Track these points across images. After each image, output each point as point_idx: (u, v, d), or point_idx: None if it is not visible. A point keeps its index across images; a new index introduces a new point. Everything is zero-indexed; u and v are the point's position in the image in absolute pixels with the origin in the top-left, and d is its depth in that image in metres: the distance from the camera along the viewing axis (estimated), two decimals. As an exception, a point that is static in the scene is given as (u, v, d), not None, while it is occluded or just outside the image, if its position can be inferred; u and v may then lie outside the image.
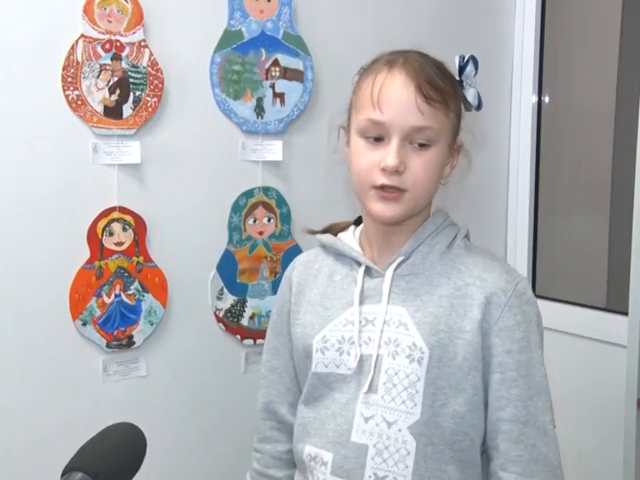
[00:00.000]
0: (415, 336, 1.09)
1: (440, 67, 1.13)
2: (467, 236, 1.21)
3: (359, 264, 1.18)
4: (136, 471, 0.98)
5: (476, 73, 1.16)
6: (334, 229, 1.29)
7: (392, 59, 1.12)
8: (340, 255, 1.22)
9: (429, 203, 1.18)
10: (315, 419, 1.18)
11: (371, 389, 1.11)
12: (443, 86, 1.09)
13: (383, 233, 1.18)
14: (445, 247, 1.16)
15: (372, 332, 1.13)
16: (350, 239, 1.23)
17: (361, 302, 1.15)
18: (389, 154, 1.07)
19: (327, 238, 1.25)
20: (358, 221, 1.27)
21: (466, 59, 1.16)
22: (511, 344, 1.09)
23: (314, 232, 1.29)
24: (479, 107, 1.17)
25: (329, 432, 1.14)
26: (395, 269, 1.15)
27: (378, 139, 1.10)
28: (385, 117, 1.08)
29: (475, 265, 1.13)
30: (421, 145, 1.09)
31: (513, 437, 1.08)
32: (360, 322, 1.14)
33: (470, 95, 1.16)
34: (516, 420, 1.08)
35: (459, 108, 1.15)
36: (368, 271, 1.17)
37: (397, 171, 1.08)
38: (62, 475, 0.92)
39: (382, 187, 1.09)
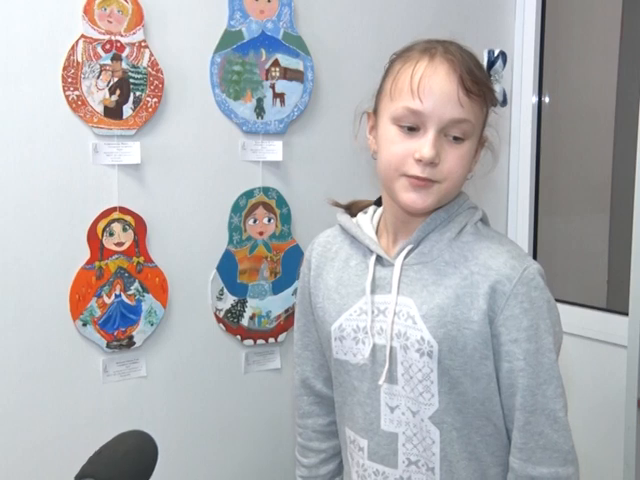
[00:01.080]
0: (423, 330, 1.09)
1: (476, 60, 1.12)
2: (484, 220, 1.18)
3: (372, 252, 1.18)
4: (147, 479, 0.99)
5: (504, 68, 1.15)
6: (355, 207, 1.29)
7: (430, 47, 1.10)
8: (355, 240, 1.22)
9: (455, 196, 1.16)
10: (344, 404, 1.22)
11: (391, 380, 1.13)
12: (483, 79, 1.09)
13: (402, 221, 1.16)
14: (455, 234, 1.13)
15: (384, 322, 1.14)
16: (367, 224, 1.22)
17: (373, 291, 1.15)
18: (425, 145, 1.06)
19: (346, 221, 1.24)
20: (379, 201, 1.25)
21: (496, 54, 1.14)
22: (517, 333, 1.07)
23: (338, 205, 1.30)
24: (504, 103, 1.16)
25: (359, 419, 1.17)
26: (405, 258, 1.14)
27: (412, 128, 1.08)
28: (424, 107, 1.06)
29: (481, 252, 1.10)
30: (456, 138, 1.08)
31: (519, 425, 1.08)
32: (373, 312, 1.15)
33: (497, 90, 1.15)
34: (523, 409, 1.08)
35: (488, 103, 1.14)
36: (379, 260, 1.17)
37: (432, 163, 1.06)
38: None
39: (416, 177, 1.08)
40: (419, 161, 1.06)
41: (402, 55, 1.13)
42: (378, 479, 1.16)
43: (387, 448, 1.14)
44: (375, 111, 1.16)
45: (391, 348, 1.12)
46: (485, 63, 1.15)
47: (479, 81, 1.08)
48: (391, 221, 1.18)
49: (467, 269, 1.10)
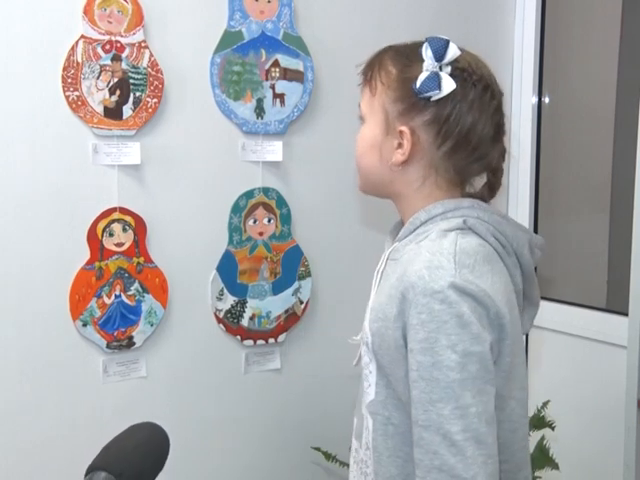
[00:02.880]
0: (366, 321, 1.13)
1: (402, 49, 1.16)
2: (462, 228, 1.12)
3: None
4: (159, 471, 0.99)
5: (438, 58, 1.11)
6: None
7: None
8: None
9: (394, 184, 1.16)
10: (357, 393, 1.24)
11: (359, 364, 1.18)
12: (368, 67, 1.17)
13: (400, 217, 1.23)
14: (425, 237, 1.11)
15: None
16: None
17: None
18: None
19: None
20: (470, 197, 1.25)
21: (424, 42, 1.13)
22: (413, 343, 1.03)
23: None
24: (420, 92, 1.10)
25: (357, 400, 1.21)
26: (389, 254, 1.17)
27: None
28: None
29: (416, 256, 1.08)
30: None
31: (415, 439, 1.04)
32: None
33: (419, 78, 1.10)
34: (416, 422, 1.03)
35: (397, 91, 1.13)
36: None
37: None
38: (86, 474, 0.92)
39: None
40: None
41: None
42: (354, 455, 1.20)
43: (360, 429, 1.18)
44: None
45: (366, 335, 1.16)
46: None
47: (365, 68, 1.17)
48: None
49: (401, 271, 1.09)
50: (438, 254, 1.06)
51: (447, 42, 1.11)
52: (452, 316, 1.01)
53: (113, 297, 1.67)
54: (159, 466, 0.99)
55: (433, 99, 1.10)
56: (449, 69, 1.11)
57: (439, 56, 1.10)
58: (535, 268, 1.24)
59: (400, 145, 1.13)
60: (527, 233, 1.20)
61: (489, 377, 1.02)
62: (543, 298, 2.34)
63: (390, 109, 1.13)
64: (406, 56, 1.14)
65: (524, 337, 2.02)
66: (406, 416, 1.08)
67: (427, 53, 1.11)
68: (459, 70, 1.11)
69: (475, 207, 1.14)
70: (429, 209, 1.14)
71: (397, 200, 1.19)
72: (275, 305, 1.87)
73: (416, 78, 1.10)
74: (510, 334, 1.06)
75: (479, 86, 1.12)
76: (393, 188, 1.17)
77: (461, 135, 1.12)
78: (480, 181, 1.20)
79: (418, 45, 1.13)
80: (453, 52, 1.11)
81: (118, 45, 1.62)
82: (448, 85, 1.09)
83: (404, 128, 1.12)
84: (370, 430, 1.12)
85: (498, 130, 1.17)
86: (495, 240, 1.13)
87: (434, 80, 1.09)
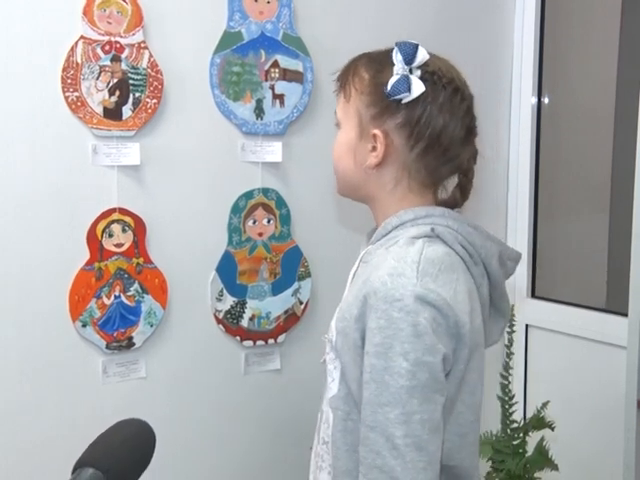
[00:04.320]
0: (333, 320, 1.16)
1: (374, 55, 1.19)
2: (430, 235, 1.13)
3: None
4: (146, 466, 0.99)
5: (407, 62, 1.13)
6: None
7: None
8: None
9: (367, 187, 1.20)
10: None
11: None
12: (343, 73, 1.20)
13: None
14: (394, 242, 1.14)
15: None
16: None
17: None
18: None
19: None
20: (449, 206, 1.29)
21: (395, 47, 1.15)
22: (369, 346, 1.06)
23: None
24: (390, 94, 1.13)
25: (321, 400, 1.24)
26: (362, 256, 1.21)
27: None
28: None
29: (383, 262, 1.10)
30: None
31: (361, 438, 1.07)
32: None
33: (390, 81, 1.13)
34: (363, 422, 1.06)
35: (369, 96, 1.16)
36: None
37: None
38: (73, 470, 0.92)
39: None
40: None
41: None
42: (315, 449, 1.23)
43: (319, 425, 1.21)
44: None
45: (331, 332, 1.19)
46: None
47: (343, 76, 1.20)
48: None
49: (367, 275, 1.11)
50: (402, 262, 1.08)
51: (416, 46, 1.15)
52: (408, 324, 1.03)
53: (113, 298, 1.67)
54: (146, 462, 1.00)
55: (404, 102, 1.14)
56: (419, 72, 1.14)
57: (408, 59, 1.14)
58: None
59: (374, 148, 1.17)
60: (499, 245, 1.22)
61: (438, 387, 1.05)
62: (543, 298, 2.35)
63: (364, 113, 1.17)
64: (378, 62, 1.17)
65: (512, 337, 2.03)
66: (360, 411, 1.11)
67: (397, 57, 1.14)
68: (429, 73, 1.15)
69: (446, 216, 1.17)
70: (400, 215, 1.17)
71: (371, 203, 1.23)
72: (275, 306, 1.87)
73: (387, 82, 1.13)
74: (468, 343, 1.09)
75: (449, 88, 1.15)
76: (367, 191, 1.21)
77: (432, 137, 1.15)
78: (452, 183, 1.24)
79: (390, 51, 1.16)
80: (422, 56, 1.15)
81: (117, 46, 1.62)
82: (418, 87, 1.13)
83: (377, 131, 1.16)
84: (330, 424, 1.15)
85: (469, 132, 1.20)
86: (462, 249, 1.15)
87: (404, 83, 1.13)
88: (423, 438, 1.03)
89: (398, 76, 1.13)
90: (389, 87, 1.13)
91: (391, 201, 1.19)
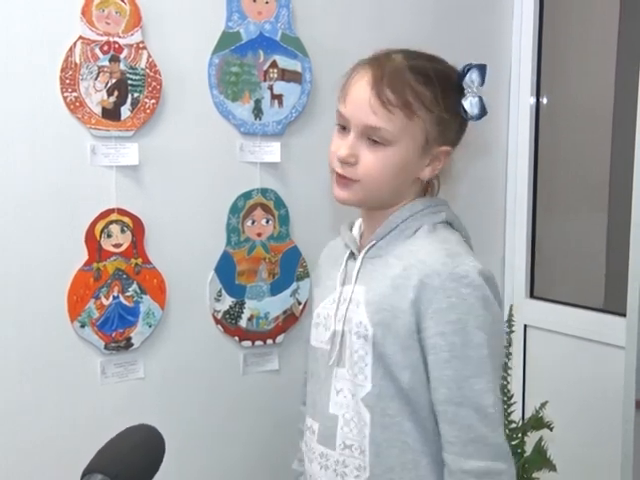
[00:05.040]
0: (362, 314, 1.16)
1: (421, 71, 1.14)
2: (447, 221, 1.22)
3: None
4: (155, 473, 1.00)
5: (482, 83, 1.17)
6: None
7: (374, 57, 1.19)
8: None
9: (400, 196, 1.21)
10: (311, 392, 1.28)
11: (340, 364, 1.20)
12: (406, 91, 1.12)
13: (366, 219, 1.27)
14: (412, 232, 1.19)
15: (344, 310, 1.21)
16: (357, 225, 1.31)
17: (344, 283, 1.24)
18: (342, 145, 1.16)
19: (341, 227, 1.33)
20: None
21: (468, 68, 1.17)
22: (444, 326, 1.10)
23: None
24: (479, 117, 1.18)
25: (317, 404, 1.24)
26: (366, 252, 1.22)
27: (344, 128, 1.18)
28: (346, 111, 1.17)
29: (423, 247, 1.15)
30: (376, 142, 1.14)
31: (448, 418, 1.11)
32: (339, 301, 1.22)
33: (467, 104, 1.17)
34: (449, 401, 1.10)
35: (444, 113, 1.16)
36: (352, 255, 1.26)
37: (348, 162, 1.15)
38: (82, 476, 0.92)
39: (337, 173, 1.18)
40: (338, 159, 1.16)
41: (359, 62, 1.21)
42: (322, 461, 1.21)
43: (330, 430, 1.20)
44: None
45: (343, 332, 1.19)
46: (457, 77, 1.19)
47: (399, 93, 1.12)
48: (363, 222, 1.29)
49: (408, 262, 1.15)
50: (449, 243, 1.16)
51: (486, 67, 1.18)
52: (478, 298, 1.10)
53: (111, 298, 1.67)
54: (155, 468, 1.00)
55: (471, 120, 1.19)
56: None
57: (482, 81, 1.18)
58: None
59: (431, 162, 1.19)
60: None
61: (503, 352, 1.18)
62: (542, 298, 2.35)
63: (431, 130, 1.16)
64: (436, 78, 1.15)
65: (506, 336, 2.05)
66: (403, 404, 1.14)
67: (472, 77, 1.17)
68: None
69: (446, 204, 1.25)
70: (409, 207, 1.21)
71: (384, 208, 1.22)
72: (273, 306, 1.87)
73: (458, 101, 1.17)
74: None
75: None
76: (395, 200, 1.22)
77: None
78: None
79: (443, 67, 1.18)
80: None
81: (116, 46, 1.62)
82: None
83: (446, 148, 1.19)
84: (367, 423, 1.16)
85: None
86: (464, 235, 1.25)
87: (483, 104, 1.17)
88: (500, 401, 1.12)
89: (477, 98, 1.17)
90: (475, 109, 1.17)
91: (403, 200, 1.22)
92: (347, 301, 1.20)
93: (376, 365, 1.15)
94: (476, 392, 1.09)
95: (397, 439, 1.15)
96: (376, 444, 1.15)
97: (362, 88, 1.14)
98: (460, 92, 1.17)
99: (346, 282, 1.23)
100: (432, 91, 1.14)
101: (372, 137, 1.14)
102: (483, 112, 1.18)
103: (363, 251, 1.22)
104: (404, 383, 1.14)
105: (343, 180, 1.17)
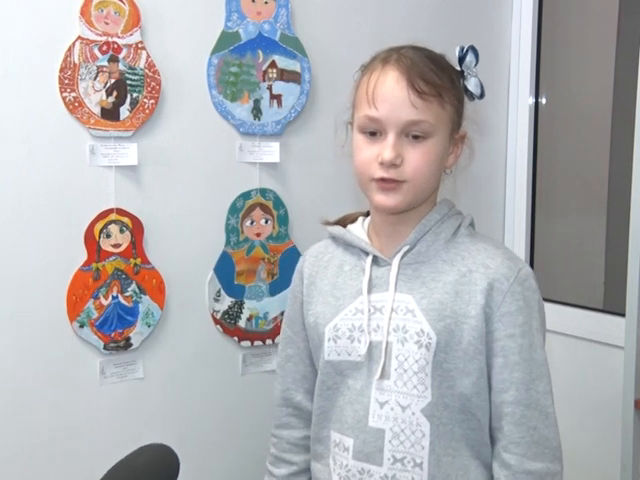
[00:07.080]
0: (423, 322, 1.13)
1: (435, 60, 1.16)
2: (472, 224, 1.25)
3: (367, 254, 1.22)
4: None
5: (477, 63, 1.19)
6: (345, 220, 1.33)
7: (386, 56, 1.16)
8: (349, 246, 1.27)
9: (433, 193, 1.21)
10: (333, 406, 1.22)
11: (384, 375, 1.16)
12: (436, 79, 1.12)
13: (390, 223, 1.21)
14: (450, 235, 1.19)
15: (380, 320, 1.17)
16: (359, 230, 1.27)
17: (369, 291, 1.19)
18: (386, 148, 1.11)
19: (337, 230, 1.28)
20: (369, 213, 1.30)
21: (465, 49, 1.19)
22: (513, 328, 1.12)
23: (328, 223, 1.33)
24: (482, 96, 1.20)
25: (348, 418, 1.19)
26: (402, 258, 1.18)
27: (374, 133, 1.14)
28: (380, 113, 1.12)
29: (479, 252, 1.17)
30: (416, 137, 1.12)
31: (515, 419, 1.12)
32: (369, 310, 1.18)
33: (471, 85, 1.19)
34: (518, 402, 1.12)
35: (459, 99, 1.18)
36: (375, 260, 1.21)
37: (394, 164, 1.11)
38: None
39: (382, 179, 1.13)
40: (382, 164, 1.12)
41: (365, 66, 1.20)
42: (363, 478, 1.17)
43: (373, 445, 1.16)
44: (351, 122, 1.22)
45: (387, 343, 1.15)
46: (457, 60, 1.20)
47: (431, 82, 1.11)
48: (379, 225, 1.23)
49: (465, 267, 1.15)
50: (502, 247, 1.21)
51: (476, 48, 1.20)
52: (536, 302, 1.16)
53: (110, 298, 1.67)
54: None
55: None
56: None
57: (477, 61, 1.20)
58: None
59: (455, 149, 1.20)
60: None
61: None
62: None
63: (455, 118, 1.18)
64: (445, 62, 1.18)
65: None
66: (457, 411, 1.14)
67: (470, 58, 1.19)
68: None
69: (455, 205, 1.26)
70: (438, 210, 1.21)
71: (416, 206, 1.19)
72: (272, 306, 1.87)
73: (463, 85, 1.19)
74: None
75: None
76: (430, 195, 1.21)
77: None
78: None
79: (438, 53, 1.19)
80: None
81: (115, 46, 1.62)
82: None
83: (463, 132, 1.20)
84: (426, 434, 1.14)
85: None
86: None
87: (481, 83, 1.20)
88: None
89: (476, 77, 1.19)
90: (479, 89, 1.19)
91: (435, 194, 1.23)
92: (388, 310, 1.16)
93: (434, 374, 1.13)
94: (540, 394, 1.12)
95: (449, 446, 1.15)
96: (436, 454, 1.14)
97: (393, 86, 1.11)
98: (461, 74, 1.20)
99: (374, 290, 1.19)
100: (449, 77, 1.16)
101: (413, 133, 1.12)
102: (484, 91, 1.20)
103: (398, 256, 1.18)
104: (465, 389, 1.14)
105: (389, 184, 1.12)
